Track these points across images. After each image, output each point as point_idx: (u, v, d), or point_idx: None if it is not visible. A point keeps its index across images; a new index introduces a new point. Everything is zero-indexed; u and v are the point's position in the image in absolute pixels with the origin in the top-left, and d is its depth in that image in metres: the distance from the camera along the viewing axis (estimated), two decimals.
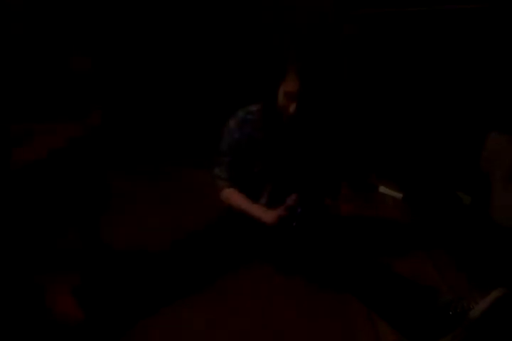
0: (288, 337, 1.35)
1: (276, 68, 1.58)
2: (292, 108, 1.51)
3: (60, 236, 1.81)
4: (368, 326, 1.38)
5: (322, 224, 1.63)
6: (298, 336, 1.35)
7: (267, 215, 1.59)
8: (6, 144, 1.36)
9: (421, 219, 2.13)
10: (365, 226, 2.00)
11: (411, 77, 2.63)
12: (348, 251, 1.52)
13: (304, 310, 1.46)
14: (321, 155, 1.72)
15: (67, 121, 1.71)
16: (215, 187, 1.74)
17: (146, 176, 2.72)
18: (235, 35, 2.77)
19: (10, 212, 1.34)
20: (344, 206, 1.92)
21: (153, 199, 2.39)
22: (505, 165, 1.99)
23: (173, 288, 1.47)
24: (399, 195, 2.37)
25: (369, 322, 1.39)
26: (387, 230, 1.99)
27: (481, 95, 2.52)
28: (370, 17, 2.62)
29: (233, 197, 1.70)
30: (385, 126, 2.74)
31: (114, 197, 1.88)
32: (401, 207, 2.28)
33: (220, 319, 1.42)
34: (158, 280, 1.45)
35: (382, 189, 2.45)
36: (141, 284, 1.43)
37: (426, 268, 1.68)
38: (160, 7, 2.78)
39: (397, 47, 2.60)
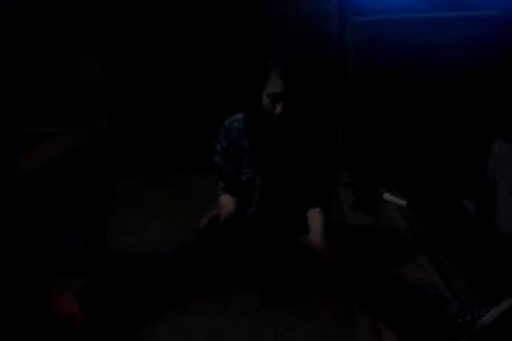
0: (288, 339, 1.35)
1: (259, 71, 1.56)
2: (278, 108, 1.49)
3: (64, 239, 1.81)
4: (371, 331, 1.37)
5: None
6: (298, 338, 1.35)
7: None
8: (9, 149, 1.35)
9: (425, 226, 2.12)
10: (369, 234, 1.99)
11: (416, 83, 2.64)
12: (354, 260, 1.51)
13: (305, 313, 1.45)
14: (311, 160, 1.66)
15: (74, 126, 1.72)
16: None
17: (147, 180, 2.75)
18: (239, 43, 2.80)
19: (15, 217, 1.33)
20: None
21: (155, 202, 2.42)
22: (511, 173, 1.99)
23: (175, 293, 1.47)
24: (403, 202, 2.36)
25: (372, 328, 1.38)
26: (391, 238, 1.98)
27: (486, 101, 2.53)
28: (373, 24, 2.64)
29: (223, 200, 1.72)
30: (389, 132, 2.74)
31: (115, 201, 1.88)
32: (405, 214, 2.28)
33: (220, 319, 1.42)
34: (160, 285, 1.45)
35: (387, 196, 2.44)
36: (143, 289, 1.43)
37: (431, 277, 1.67)
38: (165, 13, 2.82)
39: (399, 52, 2.61)
